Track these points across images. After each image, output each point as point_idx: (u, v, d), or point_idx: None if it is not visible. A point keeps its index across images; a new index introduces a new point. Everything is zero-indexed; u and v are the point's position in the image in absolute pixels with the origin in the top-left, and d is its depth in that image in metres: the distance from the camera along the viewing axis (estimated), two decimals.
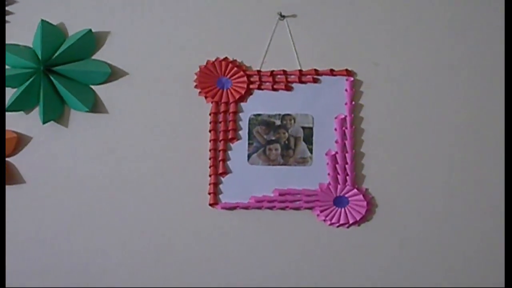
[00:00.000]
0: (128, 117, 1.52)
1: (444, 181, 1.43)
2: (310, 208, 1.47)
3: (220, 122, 1.49)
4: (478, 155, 1.42)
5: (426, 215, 1.44)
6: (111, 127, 1.51)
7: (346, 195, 1.46)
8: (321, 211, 1.46)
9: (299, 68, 1.48)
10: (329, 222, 1.46)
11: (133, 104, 1.52)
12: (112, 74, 1.51)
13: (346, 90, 1.46)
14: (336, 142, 1.46)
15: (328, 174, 1.46)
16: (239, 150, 1.49)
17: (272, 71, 1.48)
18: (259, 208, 1.48)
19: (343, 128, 1.45)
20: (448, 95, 1.44)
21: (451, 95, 1.44)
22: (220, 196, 1.49)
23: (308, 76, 1.47)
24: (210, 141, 1.49)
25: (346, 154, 1.45)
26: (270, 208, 1.47)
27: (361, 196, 1.45)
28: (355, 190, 1.45)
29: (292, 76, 1.48)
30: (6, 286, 1.32)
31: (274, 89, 1.48)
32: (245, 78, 1.48)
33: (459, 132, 1.43)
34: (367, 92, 1.47)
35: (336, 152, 1.46)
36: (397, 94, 1.45)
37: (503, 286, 1.23)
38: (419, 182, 1.44)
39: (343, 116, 1.45)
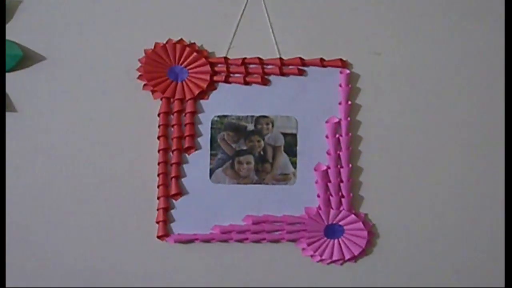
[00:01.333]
0: (45, 119, 1.12)
1: (463, 203, 1.11)
2: (294, 241, 1.12)
3: (172, 126, 1.12)
4: (501, 176, 1.11)
5: (439, 249, 1.10)
6: (19, 131, 1.10)
7: (341, 223, 1.11)
8: (308, 244, 1.11)
9: (279, 56, 1.11)
10: (318, 258, 1.12)
11: (52, 100, 1.12)
12: (24, 58, 1.10)
13: (340, 85, 1.11)
14: (328, 153, 1.10)
15: (318, 195, 1.11)
16: (198, 163, 1.12)
17: (243, 59, 1.12)
18: (226, 241, 1.11)
19: (337, 135, 1.10)
20: (467, 94, 1.12)
21: (471, 94, 1.12)
22: (172, 225, 1.12)
23: (291, 67, 1.12)
24: (158, 151, 1.11)
25: (341, 170, 1.11)
26: (241, 240, 1.12)
27: (359, 224, 1.11)
28: (352, 216, 1.11)
29: (270, 67, 1.12)
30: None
31: (246, 83, 1.12)
32: (207, 67, 1.11)
33: (481, 142, 1.11)
34: (367, 89, 1.13)
35: (328, 167, 1.11)
36: (404, 92, 1.12)
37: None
38: (432, 205, 1.11)
39: (336, 120, 1.11)
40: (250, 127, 1.12)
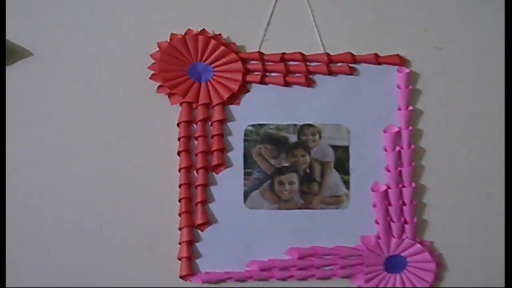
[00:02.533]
0: (34, 130, 0.87)
1: None
2: (348, 277, 0.93)
3: (196, 138, 0.89)
4: None
5: None
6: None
7: (404, 254, 0.92)
8: (366, 280, 0.92)
9: (323, 51, 0.90)
10: None
11: (42, 107, 0.88)
12: (8, 54, 0.87)
13: (398, 87, 0.91)
14: (387, 170, 0.90)
15: (376, 221, 0.91)
16: (229, 184, 0.91)
17: (282, 54, 0.90)
18: (265, 279, 0.91)
19: (397, 147, 0.90)
20: None
21: None
22: (199, 262, 0.90)
23: (340, 64, 0.91)
24: (179, 170, 0.89)
25: (403, 189, 0.91)
26: (284, 278, 0.91)
27: (426, 255, 0.92)
28: (418, 246, 0.92)
29: (315, 64, 0.91)
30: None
31: (286, 84, 0.90)
32: (238, 65, 0.89)
33: None
34: (429, 90, 0.94)
35: (388, 187, 0.91)
36: (475, 93, 0.93)
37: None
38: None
39: (395, 129, 0.91)
40: (293, 138, 0.90)
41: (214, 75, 0.90)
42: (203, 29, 0.90)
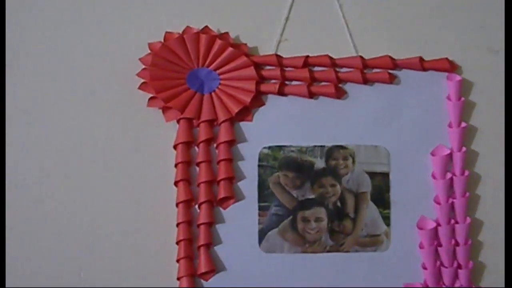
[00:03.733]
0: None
1: None
2: None
3: (197, 165, 0.70)
4: None
5: None
6: None
7: None
8: None
9: (357, 54, 0.72)
10: None
11: (16, 127, 0.69)
12: None
13: (448, 98, 0.73)
14: (436, 202, 0.73)
15: (423, 266, 0.73)
16: (239, 222, 0.73)
17: (306, 58, 0.72)
18: None
19: (448, 173, 0.72)
20: None
21: None
22: None
23: (377, 70, 0.73)
24: (177, 205, 0.69)
25: (456, 226, 0.73)
26: None
27: None
28: None
29: (346, 70, 0.73)
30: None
31: (311, 95, 0.72)
32: (251, 71, 0.71)
33: None
34: (486, 102, 0.76)
35: (438, 223, 0.73)
36: None
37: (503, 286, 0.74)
38: None
39: (446, 151, 0.73)
40: (320, 164, 0.72)
41: (220, 83, 0.72)
42: (206, 27, 0.73)
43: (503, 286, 0.76)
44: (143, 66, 0.71)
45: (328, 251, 0.73)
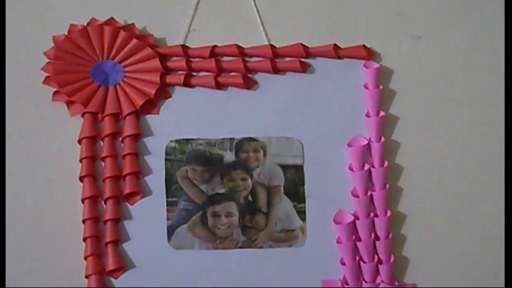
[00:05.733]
0: None
1: None
2: None
3: (103, 159, 0.68)
4: None
5: None
6: None
7: None
8: None
9: (268, 43, 0.70)
10: None
11: None
12: None
13: (365, 87, 0.70)
14: (354, 195, 0.69)
15: (341, 262, 0.70)
16: (147, 219, 0.70)
17: (213, 48, 0.69)
18: None
19: (366, 165, 0.69)
20: None
21: None
22: None
23: (289, 59, 0.70)
24: (82, 201, 0.67)
25: (376, 220, 0.70)
26: None
27: None
28: None
29: (256, 59, 0.70)
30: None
31: (219, 86, 0.69)
32: (156, 63, 0.69)
33: None
34: (406, 90, 0.73)
35: (356, 217, 0.70)
36: (461, 94, 0.73)
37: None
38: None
39: (364, 142, 0.70)
40: (229, 157, 0.70)
41: (125, 76, 0.70)
42: (111, 18, 0.71)
43: (426, 281, 0.73)
44: (47, 60, 0.69)
45: (240, 247, 0.70)
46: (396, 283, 0.71)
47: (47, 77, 0.69)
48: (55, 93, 0.70)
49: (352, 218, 0.70)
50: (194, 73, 0.71)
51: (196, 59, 0.70)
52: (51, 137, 0.70)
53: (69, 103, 0.70)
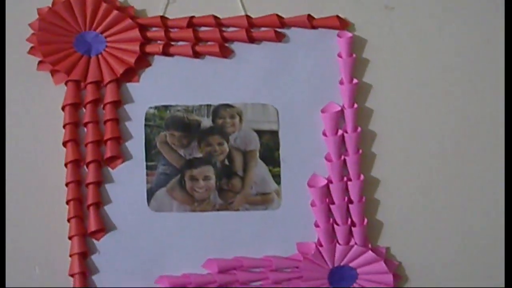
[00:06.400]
0: None
1: None
2: None
3: (85, 125, 0.71)
4: None
5: None
6: None
7: (353, 264, 0.73)
8: None
9: (243, 13, 0.72)
10: None
11: None
12: None
13: (339, 56, 0.72)
14: (328, 159, 0.72)
15: (315, 225, 0.72)
16: (127, 182, 0.73)
17: (190, 19, 0.72)
18: None
19: (340, 131, 0.72)
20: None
21: None
22: (95, 278, 0.74)
23: (265, 29, 0.73)
24: (65, 165, 0.70)
25: (349, 184, 0.72)
26: None
27: (380, 264, 0.73)
28: (370, 254, 0.73)
29: (233, 29, 0.73)
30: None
31: (196, 55, 0.72)
32: (135, 33, 0.72)
33: None
34: (378, 59, 0.75)
35: (329, 180, 0.72)
36: (433, 63, 0.75)
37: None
38: (482, 230, 0.75)
39: (337, 108, 0.72)
40: (207, 122, 0.72)
41: (106, 46, 0.73)
42: None
43: (400, 245, 0.75)
44: (31, 31, 0.72)
45: (217, 210, 0.73)
46: (370, 245, 0.74)
47: (32, 47, 0.72)
48: (40, 62, 0.72)
49: (325, 181, 0.73)
50: (172, 43, 0.73)
51: (175, 30, 0.73)
52: (36, 105, 0.73)
53: (53, 72, 0.72)
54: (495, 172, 0.74)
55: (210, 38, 0.73)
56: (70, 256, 0.72)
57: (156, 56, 0.73)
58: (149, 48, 0.73)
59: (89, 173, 0.72)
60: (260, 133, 0.73)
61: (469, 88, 0.74)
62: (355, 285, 0.74)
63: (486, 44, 0.74)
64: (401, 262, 0.75)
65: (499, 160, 0.74)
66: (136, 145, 0.73)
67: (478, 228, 0.75)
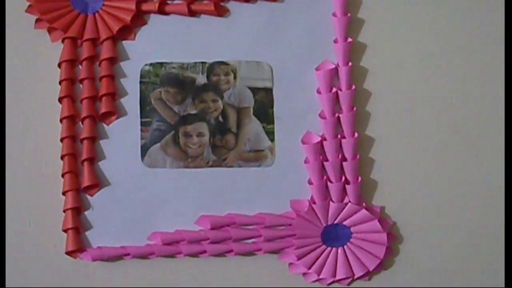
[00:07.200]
0: None
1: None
2: (276, 252, 0.74)
3: (81, 82, 0.72)
4: None
5: (484, 253, 0.73)
6: None
7: (346, 222, 0.73)
8: (299, 257, 0.73)
9: None
10: (314, 277, 0.74)
11: None
12: None
13: (334, 14, 0.73)
14: (322, 116, 0.72)
15: (309, 182, 0.72)
16: (122, 138, 0.74)
17: None
18: (172, 256, 0.74)
19: (334, 88, 0.72)
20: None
21: None
22: (89, 234, 0.74)
23: None
24: (61, 121, 0.71)
25: (343, 141, 0.72)
26: (194, 255, 0.73)
27: (375, 223, 0.72)
28: (364, 212, 0.73)
29: None
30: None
31: (191, 13, 0.73)
32: None
33: None
34: (373, 18, 0.75)
35: (323, 138, 0.72)
36: (430, 22, 0.75)
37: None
38: (479, 191, 0.74)
39: (331, 66, 0.72)
40: (201, 79, 0.73)
41: (103, 4, 0.73)
42: None
43: (395, 204, 0.74)
44: None
45: (210, 166, 0.73)
46: (364, 204, 0.74)
47: (30, 5, 0.73)
48: (37, 20, 0.73)
49: (319, 139, 0.73)
50: (168, 1, 0.74)
51: None
52: (33, 62, 0.74)
53: (50, 30, 0.73)
54: (497, 124, 0.74)
55: None
56: (64, 211, 0.72)
57: (152, 15, 0.74)
58: (145, 6, 0.73)
59: (84, 129, 0.72)
60: (254, 90, 0.73)
61: (466, 50, 0.74)
62: (348, 244, 0.73)
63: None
64: (396, 222, 0.74)
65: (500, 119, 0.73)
66: (131, 102, 0.73)
67: (477, 188, 0.74)
